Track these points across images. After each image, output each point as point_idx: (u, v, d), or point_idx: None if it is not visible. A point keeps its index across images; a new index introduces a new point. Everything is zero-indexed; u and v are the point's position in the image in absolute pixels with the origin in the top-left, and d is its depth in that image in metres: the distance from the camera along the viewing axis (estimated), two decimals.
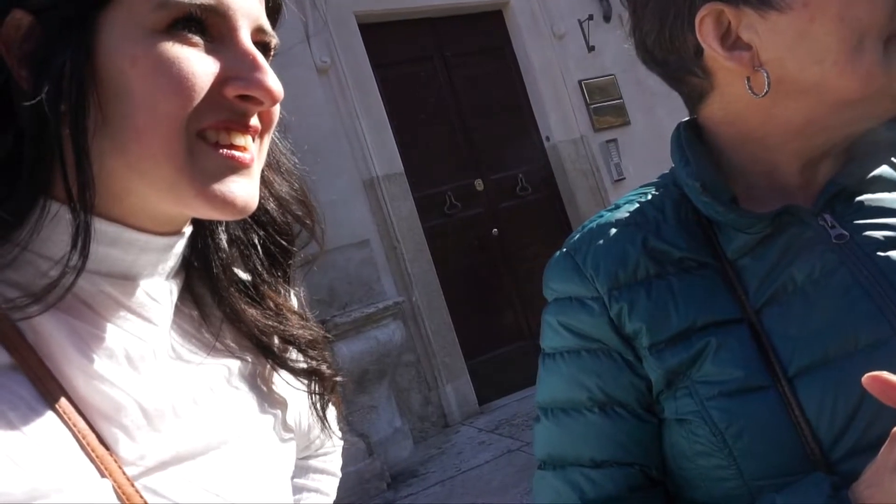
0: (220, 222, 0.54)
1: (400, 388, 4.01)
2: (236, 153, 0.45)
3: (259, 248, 0.57)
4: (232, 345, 0.54)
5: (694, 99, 0.65)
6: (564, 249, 0.67)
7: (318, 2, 4.13)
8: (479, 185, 4.62)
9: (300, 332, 0.57)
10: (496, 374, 4.37)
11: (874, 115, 0.57)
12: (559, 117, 4.91)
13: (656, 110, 5.06)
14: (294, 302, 0.60)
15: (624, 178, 5.01)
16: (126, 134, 0.42)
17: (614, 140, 5.09)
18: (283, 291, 0.58)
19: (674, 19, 0.60)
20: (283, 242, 0.58)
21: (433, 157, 4.49)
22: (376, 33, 4.40)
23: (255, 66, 0.44)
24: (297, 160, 0.60)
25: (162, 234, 0.47)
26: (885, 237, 0.56)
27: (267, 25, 0.48)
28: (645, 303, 0.60)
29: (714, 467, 0.56)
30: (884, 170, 0.61)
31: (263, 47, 0.48)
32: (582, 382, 0.62)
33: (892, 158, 0.62)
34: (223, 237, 0.55)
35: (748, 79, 0.58)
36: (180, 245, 0.50)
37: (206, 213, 0.45)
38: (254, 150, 0.47)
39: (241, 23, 0.45)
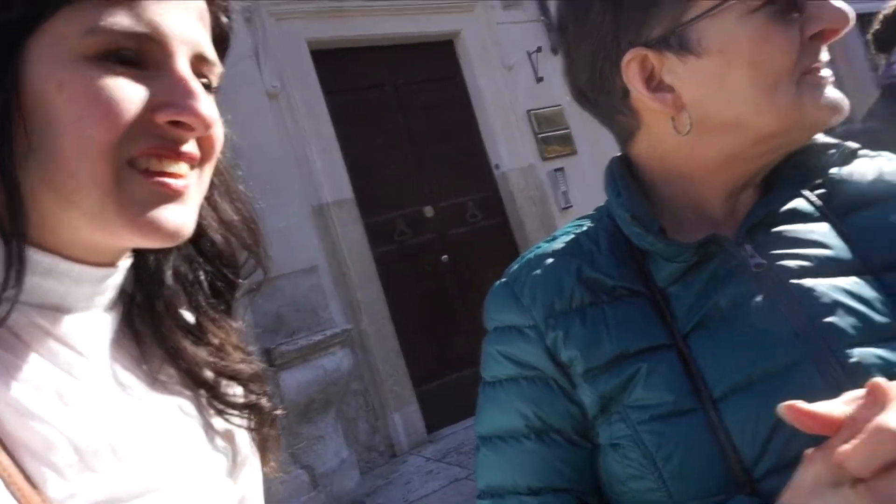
0: (164, 256, 0.53)
1: (347, 417, 3.93)
2: (168, 180, 0.44)
3: (204, 282, 0.56)
4: (174, 381, 0.52)
5: (624, 136, 0.68)
6: (504, 279, 0.68)
7: (268, 27, 4.12)
8: (429, 211, 4.64)
9: (241, 366, 0.56)
10: (445, 401, 4.34)
11: (788, 145, 0.61)
12: (508, 146, 5.00)
13: (602, 141, 5.20)
14: (235, 336, 0.59)
15: (571, 206, 5.13)
16: (54, 161, 0.41)
17: (562, 169, 5.21)
18: (225, 326, 0.58)
19: (602, 62, 0.63)
20: (229, 275, 0.57)
21: (383, 183, 4.50)
22: (328, 60, 4.41)
23: (186, 93, 0.44)
24: (245, 186, 0.60)
25: (97, 265, 0.46)
26: (799, 266, 0.59)
27: (209, 53, 0.48)
28: (580, 330, 0.61)
29: (645, 490, 0.57)
30: (798, 202, 0.65)
31: (206, 75, 0.48)
32: (520, 410, 0.63)
33: (804, 192, 0.65)
34: (168, 272, 0.54)
35: (672, 118, 0.61)
36: (117, 277, 0.48)
37: (136, 241, 0.44)
38: (192, 178, 0.46)
39: (177, 49, 0.44)
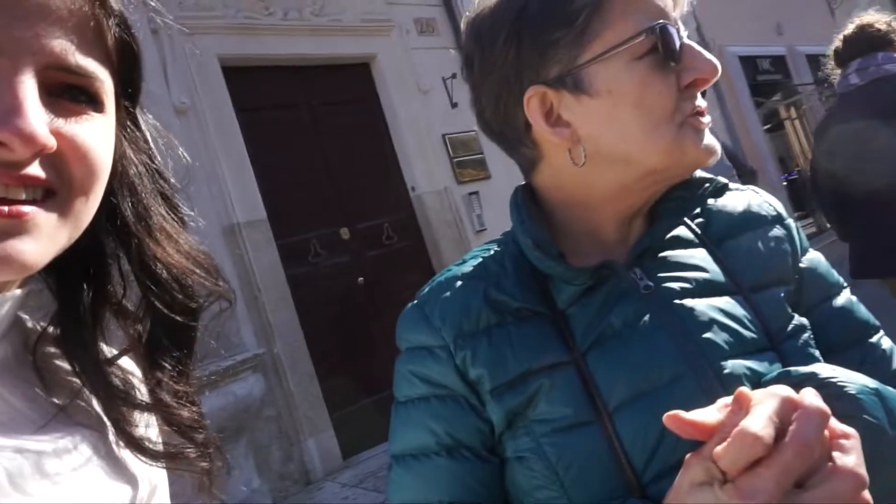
0: (98, 296, 0.51)
1: (259, 444, 3.79)
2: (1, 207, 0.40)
3: (158, 328, 0.53)
4: (82, 413, 0.49)
5: (527, 167, 0.74)
6: (415, 301, 0.71)
7: (177, 40, 3.99)
8: (344, 233, 4.61)
9: (182, 413, 0.54)
10: (362, 425, 4.28)
11: (671, 180, 0.68)
12: (424, 169, 5.07)
13: (515, 166, 5.33)
14: (183, 383, 0.56)
15: (485, 229, 5.24)
16: None
17: (476, 192, 5.33)
18: (174, 373, 0.54)
19: (507, 98, 0.68)
20: (185, 321, 0.54)
21: (298, 204, 4.43)
22: (241, 77, 4.32)
23: (9, 108, 0.40)
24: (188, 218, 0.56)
25: None
26: (681, 288, 0.66)
27: (77, 63, 0.44)
28: (486, 350, 0.64)
29: (549, 499, 0.61)
30: (681, 230, 0.72)
31: (84, 92, 0.45)
32: (431, 428, 0.65)
33: (689, 221, 0.73)
34: (87, 306, 0.51)
35: (569, 151, 0.66)
36: (6, 307, 0.46)
37: None
38: (47, 207, 0.43)
39: (20, 62, 0.41)
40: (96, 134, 0.46)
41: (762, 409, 0.42)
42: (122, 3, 0.49)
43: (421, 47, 5.33)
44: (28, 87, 0.41)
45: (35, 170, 0.42)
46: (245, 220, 4.08)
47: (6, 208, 0.41)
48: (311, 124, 4.66)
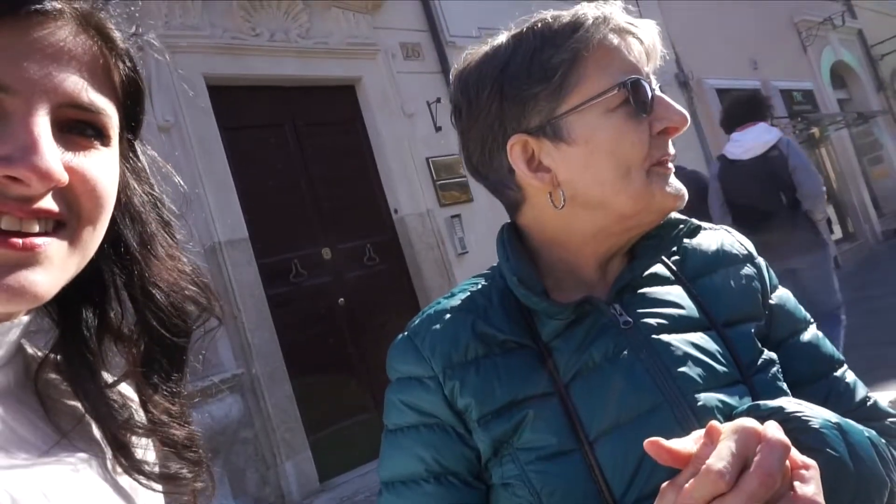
0: (98, 321, 0.52)
1: (235, 467, 3.74)
2: (11, 239, 0.42)
3: (154, 350, 0.54)
4: (83, 439, 0.50)
5: (512, 207, 0.78)
6: (406, 333, 0.74)
7: (161, 58, 3.99)
8: (326, 253, 4.61)
9: (174, 431, 0.55)
10: (339, 448, 4.24)
11: (646, 225, 0.72)
12: (407, 191, 5.10)
13: None
14: (176, 403, 0.57)
15: (467, 252, 5.28)
16: None
17: (458, 215, 5.38)
18: (167, 391, 0.55)
19: (491, 144, 0.73)
20: (177, 341, 0.55)
21: (280, 223, 4.42)
22: (226, 96, 4.33)
23: (26, 146, 0.42)
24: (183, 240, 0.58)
25: None
26: (658, 324, 0.70)
27: (89, 100, 0.46)
28: (474, 380, 0.67)
29: None
30: (658, 267, 0.76)
31: (93, 126, 0.46)
32: (420, 455, 0.68)
33: (666, 259, 0.77)
34: (92, 334, 0.52)
35: (550, 194, 0.71)
36: (12, 334, 0.47)
37: None
38: (60, 238, 0.44)
39: (35, 101, 0.43)
40: (103, 167, 0.48)
41: (726, 445, 0.46)
42: (128, 40, 0.52)
43: (406, 71, 5.40)
44: (43, 125, 0.43)
45: (48, 203, 0.44)
46: (226, 239, 4.06)
47: (20, 241, 0.42)
48: (295, 145, 4.68)
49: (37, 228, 0.43)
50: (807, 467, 0.48)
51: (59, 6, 0.44)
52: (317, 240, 4.59)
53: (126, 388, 0.57)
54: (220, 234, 4.04)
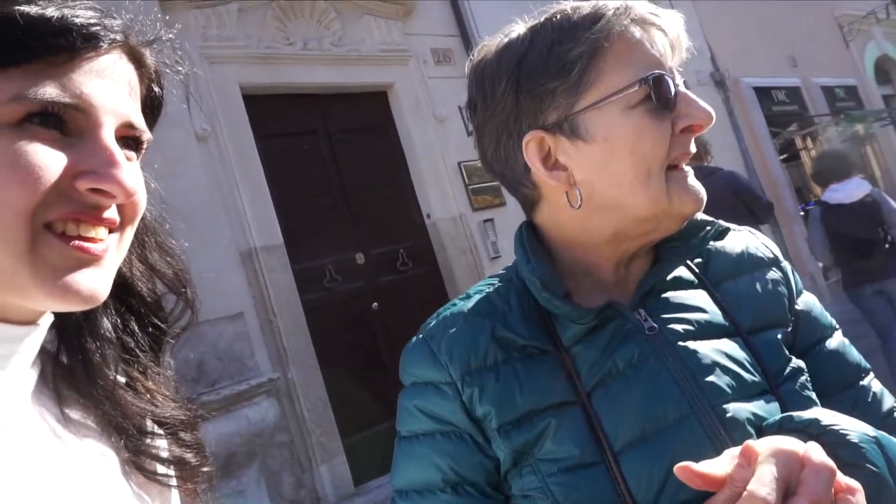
0: (88, 316, 0.54)
1: (271, 470, 3.78)
2: (86, 244, 0.45)
3: (138, 333, 0.57)
4: (96, 436, 0.52)
5: (528, 205, 0.75)
6: (421, 336, 0.72)
7: (199, 69, 4.09)
8: (360, 258, 4.64)
9: (173, 413, 0.57)
10: (374, 452, 4.25)
11: (664, 230, 0.69)
12: (439, 196, 5.10)
13: None
14: (165, 385, 0.59)
15: (500, 256, 5.25)
16: None
17: (491, 220, 5.35)
18: (156, 375, 0.58)
19: (507, 140, 0.70)
20: (159, 324, 0.58)
21: (314, 229, 4.47)
22: (261, 105, 4.40)
23: (109, 162, 0.45)
24: (172, 227, 0.62)
25: (15, 324, 0.46)
26: (685, 330, 0.67)
27: (138, 121, 0.50)
28: (493, 387, 0.65)
29: None
30: (682, 271, 0.73)
31: (134, 141, 0.50)
32: (436, 464, 0.66)
33: (688, 261, 0.73)
34: (92, 330, 0.54)
35: (566, 193, 0.68)
36: (37, 336, 0.49)
37: (49, 304, 0.45)
38: (111, 242, 0.47)
39: (103, 119, 0.46)
40: (140, 176, 0.51)
41: (768, 469, 0.44)
42: (162, 58, 0.56)
43: (437, 76, 5.41)
44: (114, 143, 0.47)
45: (112, 213, 0.47)
46: (262, 245, 4.12)
47: (92, 247, 0.46)
48: (328, 151, 4.73)
49: (103, 235, 0.47)
50: (852, 491, 0.46)
51: (120, 39, 0.49)
52: (350, 245, 4.62)
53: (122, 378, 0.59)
54: (257, 240, 4.10)
